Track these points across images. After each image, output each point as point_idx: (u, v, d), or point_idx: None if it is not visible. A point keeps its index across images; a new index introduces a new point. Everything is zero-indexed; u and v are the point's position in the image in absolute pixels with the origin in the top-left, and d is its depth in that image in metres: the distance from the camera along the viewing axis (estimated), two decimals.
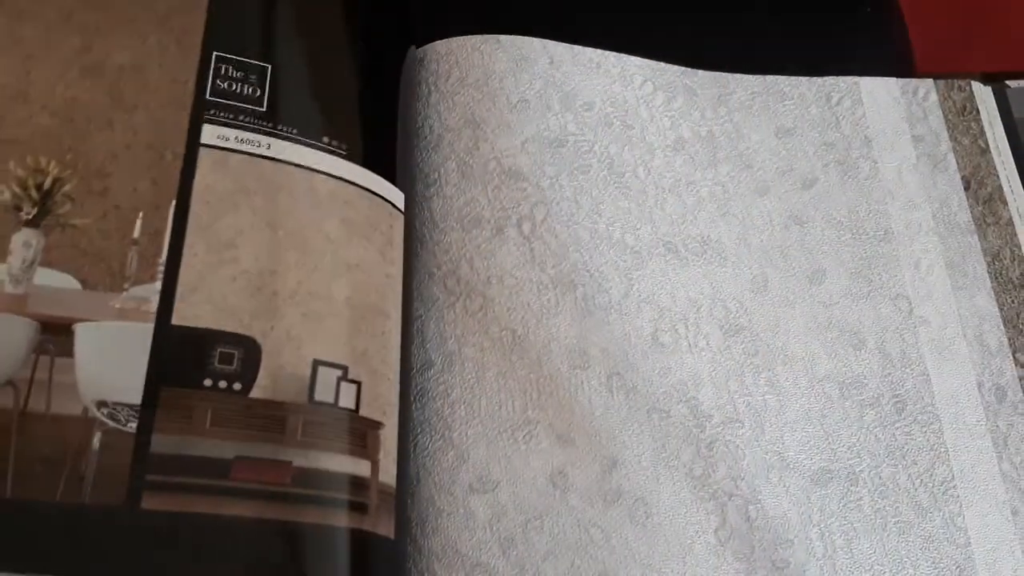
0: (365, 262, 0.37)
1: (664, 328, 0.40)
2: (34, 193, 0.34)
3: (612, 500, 0.37)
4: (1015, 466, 0.40)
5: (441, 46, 0.45)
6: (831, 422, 0.40)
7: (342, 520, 0.33)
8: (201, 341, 0.33)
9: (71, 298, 0.33)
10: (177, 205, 0.34)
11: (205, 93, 0.36)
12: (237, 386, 0.33)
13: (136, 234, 0.34)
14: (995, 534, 0.38)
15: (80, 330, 0.32)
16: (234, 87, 0.37)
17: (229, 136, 0.36)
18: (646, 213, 0.43)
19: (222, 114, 0.36)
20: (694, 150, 0.45)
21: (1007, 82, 0.48)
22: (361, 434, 0.34)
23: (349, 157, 0.37)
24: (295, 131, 0.37)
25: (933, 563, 0.38)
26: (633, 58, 0.46)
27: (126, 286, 0.33)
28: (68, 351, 0.32)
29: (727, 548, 0.37)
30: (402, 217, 0.39)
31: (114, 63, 0.36)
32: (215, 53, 0.37)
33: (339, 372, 0.34)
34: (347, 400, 0.34)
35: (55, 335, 0.32)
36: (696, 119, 0.46)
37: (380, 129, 0.40)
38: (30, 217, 0.33)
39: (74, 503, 0.30)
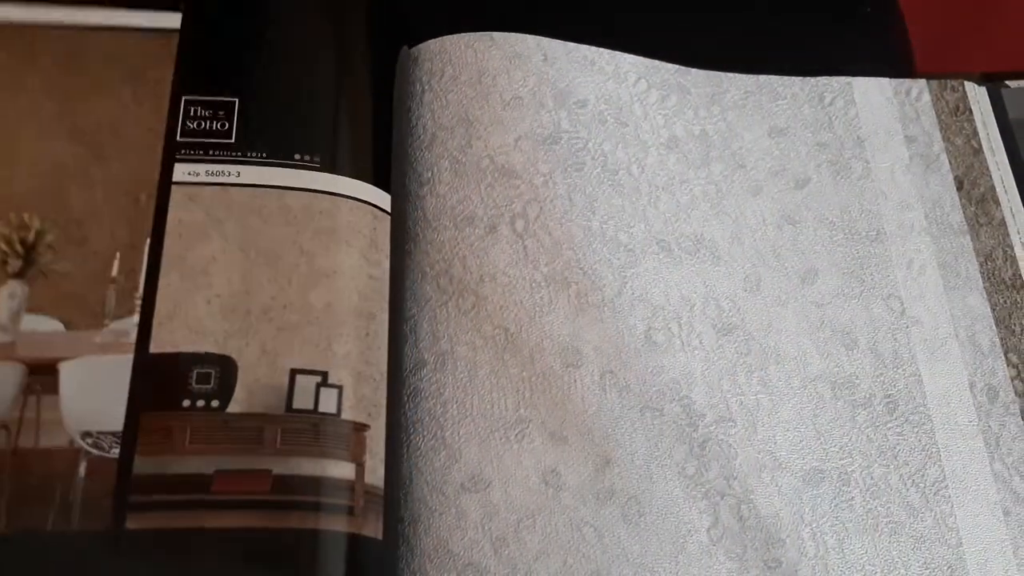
0: (344, 267, 0.37)
1: (657, 327, 0.40)
2: (18, 247, 0.36)
3: (605, 499, 0.37)
4: (1007, 466, 0.40)
5: (434, 44, 0.44)
6: (823, 422, 0.40)
7: (326, 523, 0.33)
8: (178, 365, 0.35)
9: (56, 340, 0.36)
10: (151, 242, 0.36)
11: (176, 136, 0.38)
12: (215, 403, 0.34)
13: (114, 273, 0.36)
14: (986, 534, 0.39)
15: (63, 368, 0.35)
16: (203, 125, 0.38)
17: (199, 171, 0.38)
18: (640, 211, 0.43)
19: (193, 152, 0.38)
20: (687, 148, 0.45)
21: (1007, 82, 0.48)
22: (344, 437, 0.35)
23: (323, 168, 0.38)
24: (264, 155, 0.38)
25: (924, 563, 0.38)
26: (627, 56, 0.46)
27: (106, 322, 0.36)
28: (54, 389, 0.34)
29: (719, 547, 0.37)
30: (387, 218, 0.39)
31: (92, 121, 0.39)
32: (184, 97, 0.39)
33: (318, 378, 0.35)
34: (327, 405, 0.35)
35: (42, 375, 0.35)
36: (689, 117, 0.46)
37: (372, 131, 0.40)
38: (16, 270, 0.36)
39: (62, 531, 0.32)
